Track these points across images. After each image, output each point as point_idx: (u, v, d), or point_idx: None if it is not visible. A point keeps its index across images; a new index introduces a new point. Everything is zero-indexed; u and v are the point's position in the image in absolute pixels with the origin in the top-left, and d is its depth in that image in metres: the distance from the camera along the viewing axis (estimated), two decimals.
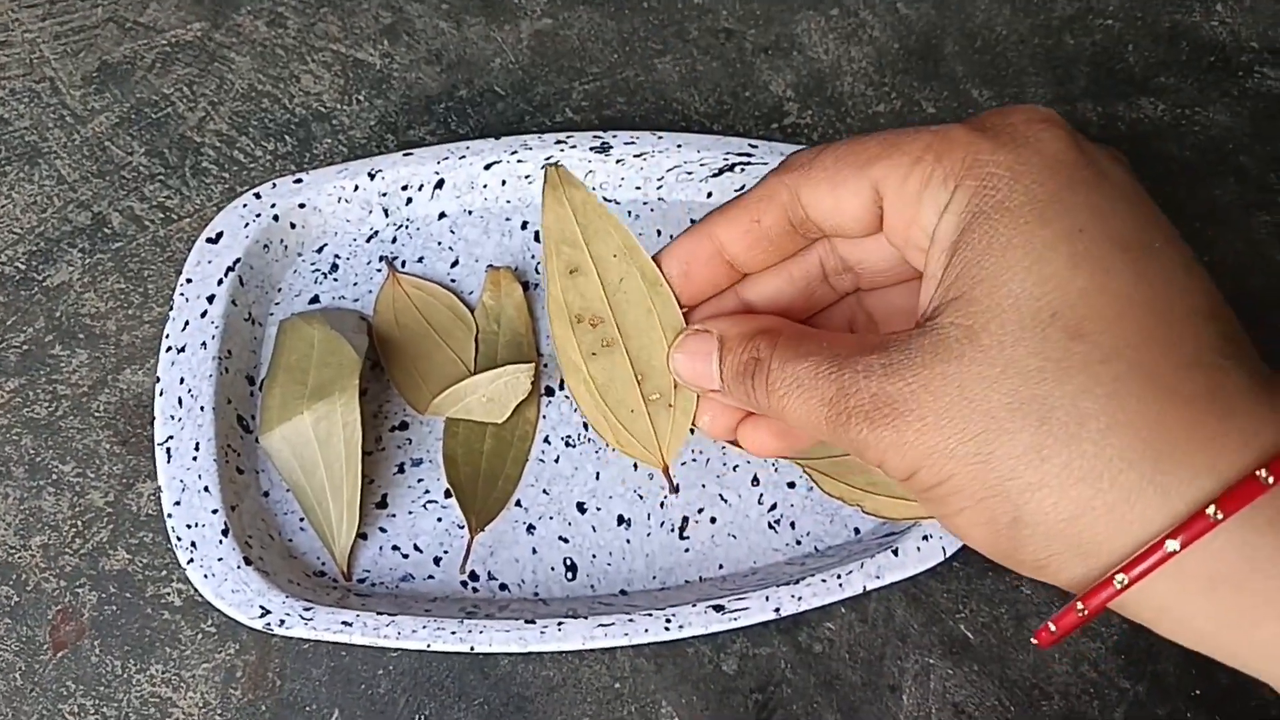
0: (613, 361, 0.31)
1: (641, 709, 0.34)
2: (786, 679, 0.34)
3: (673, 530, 0.34)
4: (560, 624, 0.31)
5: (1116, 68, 0.42)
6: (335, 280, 0.36)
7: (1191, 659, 0.34)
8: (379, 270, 0.37)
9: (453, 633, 0.31)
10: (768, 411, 0.26)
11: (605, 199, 0.37)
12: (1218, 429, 0.20)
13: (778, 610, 0.32)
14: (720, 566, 0.34)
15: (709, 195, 0.37)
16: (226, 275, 0.35)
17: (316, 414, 0.32)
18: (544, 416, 0.35)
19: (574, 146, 0.36)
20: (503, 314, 0.36)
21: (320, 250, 0.37)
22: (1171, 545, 0.20)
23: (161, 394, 0.33)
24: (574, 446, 0.35)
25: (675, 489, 0.34)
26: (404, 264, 0.37)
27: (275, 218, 0.35)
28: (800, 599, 0.32)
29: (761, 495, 0.35)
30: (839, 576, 0.32)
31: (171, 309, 0.34)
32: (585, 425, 0.35)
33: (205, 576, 0.31)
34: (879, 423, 0.23)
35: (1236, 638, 0.21)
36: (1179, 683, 0.34)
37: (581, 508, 0.35)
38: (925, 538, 0.33)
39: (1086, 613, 0.22)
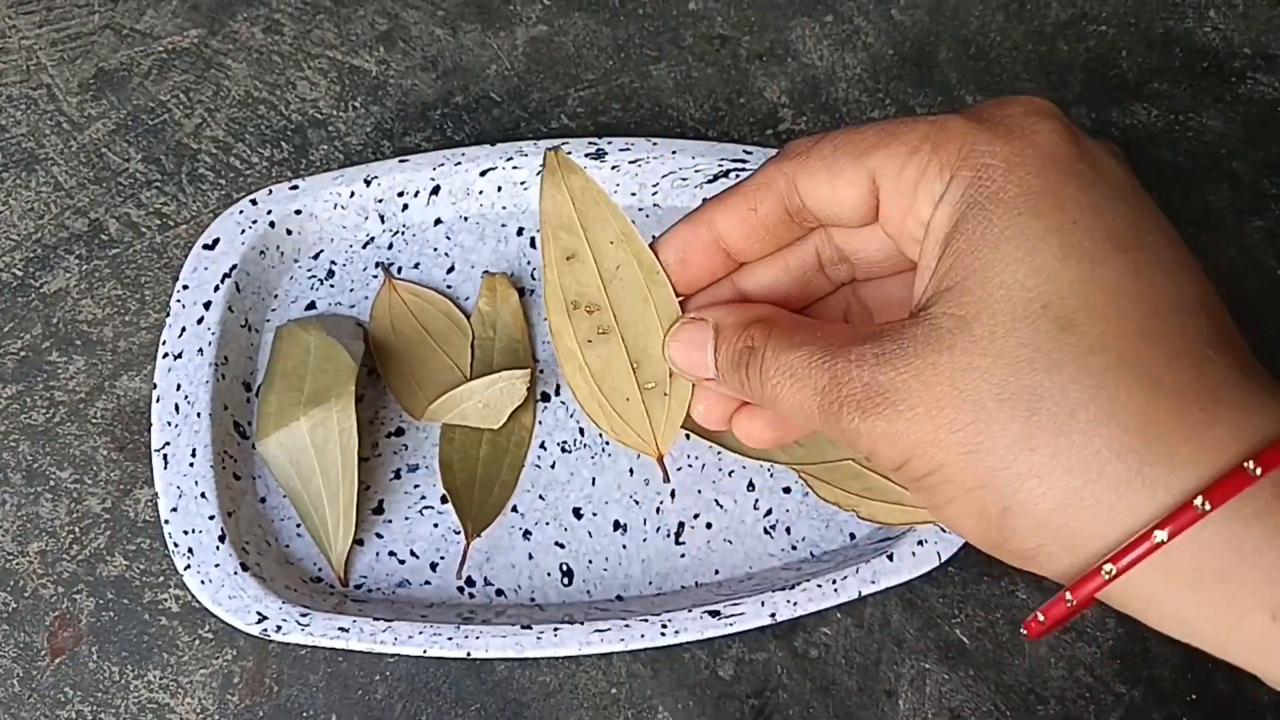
0: (609, 349, 0.31)
1: (638, 714, 0.34)
2: (782, 684, 0.34)
3: (669, 536, 0.35)
4: (556, 629, 0.31)
5: (1110, 74, 0.42)
6: (331, 286, 0.37)
7: (1187, 664, 0.34)
8: (375, 276, 0.37)
9: (449, 638, 0.31)
10: (761, 401, 0.26)
11: None
12: (1206, 420, 0.21)
13: (773, 615, 0.32)
14: (716, 572, 0.34)
15: (704, 202, 0.37)
16: (223, 281, 0.35)
17: (313, 420, 0.32)
18: (540, 422, 0.36)
19: (569, 153, 0.36)
20: (498, 320, 0.36)
21: (316, 256, 0.37)
22: (1159, 536, 0.20)
23: (158, 400, 0.33)
24: (570, 452, 0.35)
25: (668, 479, 0.34)
26: (400, 270, 0.37)
27: (271, 224, 0.35)
28: (796, 604, 0.32)
29: (757, 500, 0.35)
30: (834, 582, 0.32)
31: (168, 315, 0.34)
32: (581, 430, 0.35)
33: (202, 582, 0.31)
34: (870, 412, 0.23)
35: (1223, 629, 0.21)
36: (1175, 688, 0.34)
37: (578, 513, 0.35)
38: (920, 543, 0.33)
39: (1075, 603, 0.22)
